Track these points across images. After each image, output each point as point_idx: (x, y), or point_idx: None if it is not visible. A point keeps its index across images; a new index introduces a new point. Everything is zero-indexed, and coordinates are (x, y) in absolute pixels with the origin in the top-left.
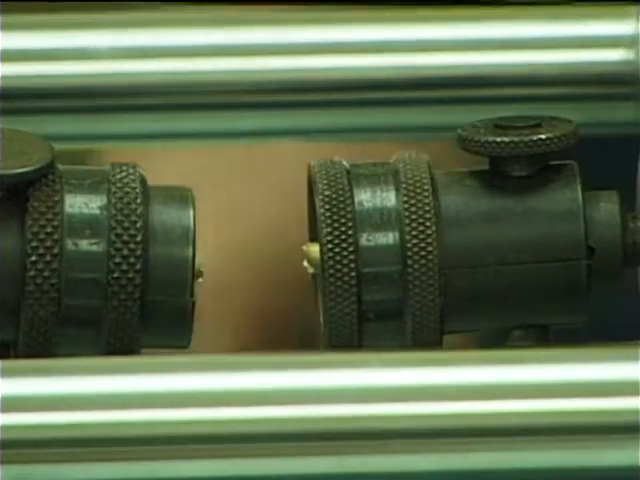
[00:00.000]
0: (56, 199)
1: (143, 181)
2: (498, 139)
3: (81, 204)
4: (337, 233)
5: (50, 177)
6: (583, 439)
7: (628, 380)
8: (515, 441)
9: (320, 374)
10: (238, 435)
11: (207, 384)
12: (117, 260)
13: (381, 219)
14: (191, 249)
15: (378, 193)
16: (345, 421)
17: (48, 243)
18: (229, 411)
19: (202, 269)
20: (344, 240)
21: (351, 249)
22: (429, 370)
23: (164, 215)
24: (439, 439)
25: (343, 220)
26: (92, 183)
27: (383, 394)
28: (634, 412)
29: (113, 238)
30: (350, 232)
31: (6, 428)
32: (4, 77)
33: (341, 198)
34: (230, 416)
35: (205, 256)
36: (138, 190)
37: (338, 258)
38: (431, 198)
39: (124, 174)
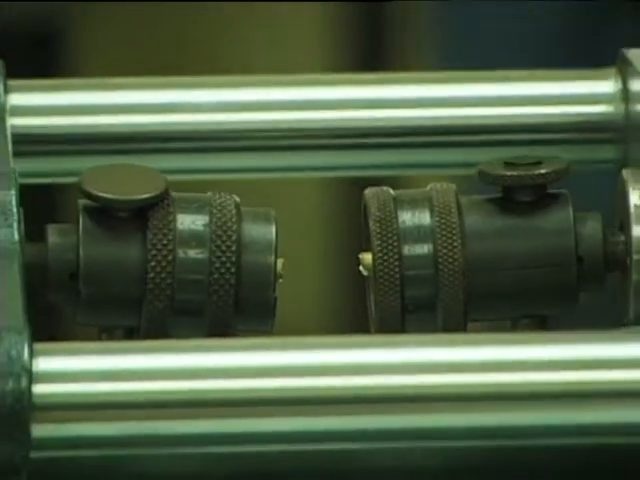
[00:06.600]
0: (170, 218)
1: (237, 205)
2: (509, 173)
3: (189, 222)
4: (385, 245)
5: (165, 201)
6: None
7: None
8: (528, 404)
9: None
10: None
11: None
12: (217, 265)
13: (418, 234)
14: (273, 257)
15: (416, 214)
16: (370, 388)
17: (164, 252)
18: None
19: (281, 272)
20: (391, 250)
21: (396, 257)
22: (457, 349)
23: (253, 231)
24: (471, 403)
25: (390, 235)
26: (198, 206)
27: (421, 368)
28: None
29: (214, 248)
30: (395, 244)
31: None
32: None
33: (388, 218)
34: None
35: None
36: (233, 212)
37: (386, 264)
38: (457, 218)
39: (222, 199)
